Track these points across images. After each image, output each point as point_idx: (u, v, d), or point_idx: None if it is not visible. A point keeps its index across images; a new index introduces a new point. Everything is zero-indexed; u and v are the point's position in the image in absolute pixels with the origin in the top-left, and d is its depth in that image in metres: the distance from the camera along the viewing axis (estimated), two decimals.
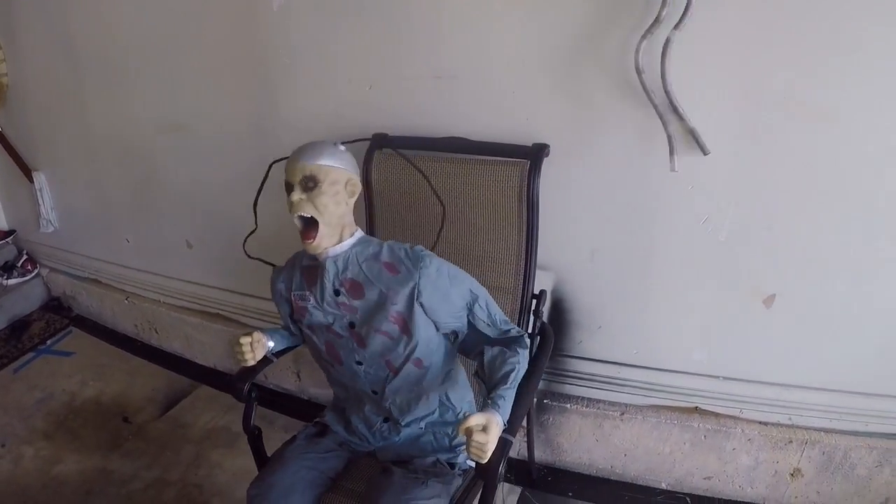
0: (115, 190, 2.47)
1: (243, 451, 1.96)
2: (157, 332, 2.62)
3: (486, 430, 1.06)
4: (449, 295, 1.22)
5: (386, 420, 1.35)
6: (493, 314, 1.26)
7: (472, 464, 1.23)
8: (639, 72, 1.32)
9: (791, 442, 1.63)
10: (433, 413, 1.33)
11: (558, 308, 1.73)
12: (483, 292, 1.26)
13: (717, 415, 1.70)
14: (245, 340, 1.30)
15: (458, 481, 1.30)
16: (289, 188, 1.22)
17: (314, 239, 1.20)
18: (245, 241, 1.42)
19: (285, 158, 1.26)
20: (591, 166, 1.53)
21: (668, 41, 1.28)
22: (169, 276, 2.49)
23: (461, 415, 1.34)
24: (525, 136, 1.52)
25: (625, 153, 1.49)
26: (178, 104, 2.10)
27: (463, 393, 1.38)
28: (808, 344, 1.55)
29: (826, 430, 1.62)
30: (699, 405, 1.72)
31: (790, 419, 1.64)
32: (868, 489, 1.63)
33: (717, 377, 1.66)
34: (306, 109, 1.83)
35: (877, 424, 1.59)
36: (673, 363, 1.69)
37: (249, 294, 2.26)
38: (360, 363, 1.29)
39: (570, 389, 1.83)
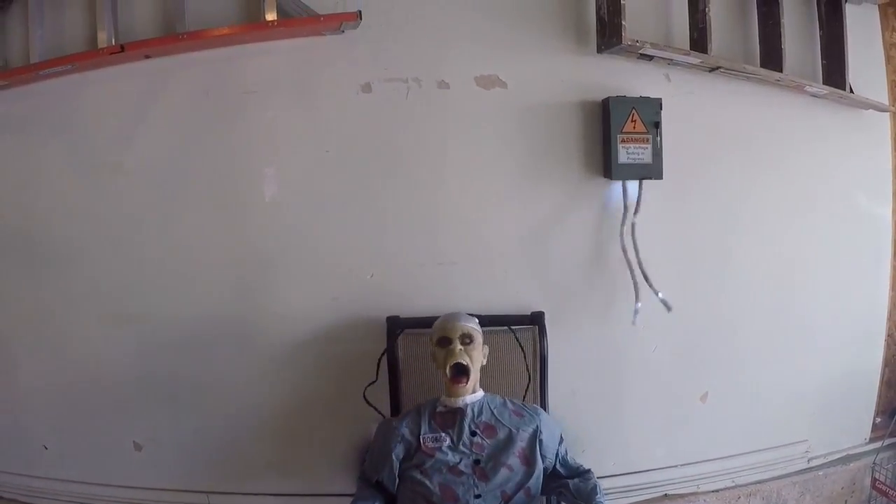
0: (31, 391, 2.09)
1: None
2: None
3: None
4: (554, 435, 1.61)
5: None
6: (568, 453, 1.64)
7: None
8: (624, 250, 1.83)
9: (739, 497, 2.17)
10: None
11: None
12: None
13: (682, 495, 2.16)
14: None
15: None
16: (446, 342, 1.56)
17: (465, 383, 1.53)
18: (365, 389, 1.80)
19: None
20: (570, 324, 1.94)
21: (633, 225, 1.83)
22: (108, 484, 2.20)
23: None
24: (518, 306, 1.89)
25: (597, 312, 1.95)
26: (134, 293, 1.95)
27: None
28: (733, 422, 2.14)
29: (760, 482, 2.19)
30: (667, 492, 2.16)
31: (733, 481, 2.18)
32: None
33: (676, 465, 2.13)
34: (298, 302, 1.90)
35: (792, 465, 2.23)
36: (642, 464, 2.12)
37: (220, 492, 2.09)
38: (478, 496, 1.47)
39: None
